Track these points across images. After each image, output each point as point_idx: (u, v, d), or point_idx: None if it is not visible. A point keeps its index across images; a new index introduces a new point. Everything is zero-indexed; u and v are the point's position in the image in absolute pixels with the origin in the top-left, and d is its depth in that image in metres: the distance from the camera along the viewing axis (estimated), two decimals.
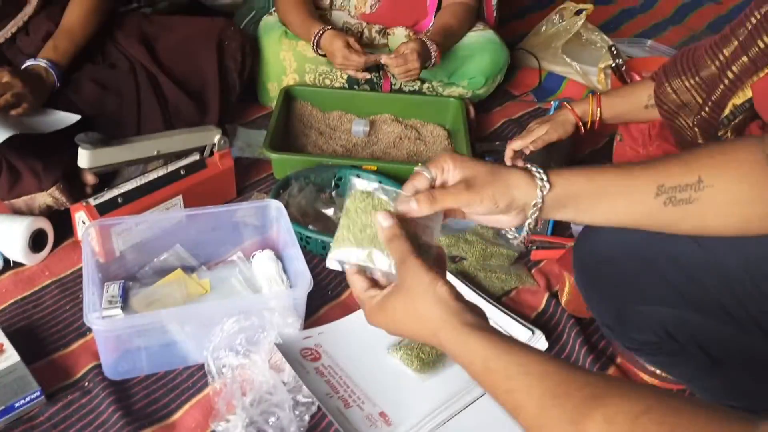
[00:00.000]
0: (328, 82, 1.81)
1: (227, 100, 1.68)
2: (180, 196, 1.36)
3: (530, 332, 1.16)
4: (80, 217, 1.27)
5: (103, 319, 1.11)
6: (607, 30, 2.16)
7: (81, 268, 1.26)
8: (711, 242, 0.83)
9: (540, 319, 1.25)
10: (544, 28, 1.97)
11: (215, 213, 1.25)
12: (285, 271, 1.25)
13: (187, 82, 1.61)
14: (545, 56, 1.93)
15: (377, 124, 1.76)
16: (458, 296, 0.65)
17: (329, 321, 1.18)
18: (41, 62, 1.37)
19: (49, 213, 1.32)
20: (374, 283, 0.71)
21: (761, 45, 1.01)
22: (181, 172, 1.37)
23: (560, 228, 1.44)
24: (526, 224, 0.72)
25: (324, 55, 1.69)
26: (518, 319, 1.19)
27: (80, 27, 1.48)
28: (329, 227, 1.38)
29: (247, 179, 1.57)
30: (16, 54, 1.47)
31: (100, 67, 1.53)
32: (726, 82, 1.06)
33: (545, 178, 0.70)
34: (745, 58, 1.02)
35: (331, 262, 0.72)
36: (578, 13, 1.90)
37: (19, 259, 1.25)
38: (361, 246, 0.70)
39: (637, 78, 1.77)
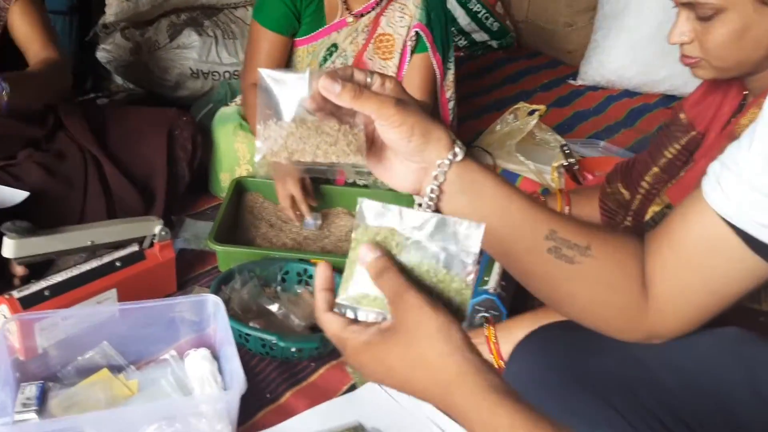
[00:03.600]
0: None
1: (175, 191, 1.64)
2: (114, 290, 1.29)
3: None
4: (1, 311, 1.18)
5: (14, 424, 1.01)
6: (562, 130, 2.21)
7: None
8: (644, 356, 0.79)
9: None
10: (498, 127, 2.01)
11: (150, 307, 1.18)
12: (220, 371, 1.17)
13: (135, 171, 1.58)
14: (500, 154, 1.95)
15: (329, 217, 1.73)
16: (474, 347, 0.55)
17: (264, 428, 1.10)
18: None
19: None
20: (354, 321, 0.60)
21: (668, 155, 1.07)
22: (117, 264, 1.30)
23: None
24: (426, 193, 0.66)
25: None
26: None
27: (42, 78, 1.44)
28: (273, 324, 1.31)
29: (191, 272, 1.50)
30: None
31: (48, 154, 1.49)
32: (642, 191, 1.11)
33: (463, 150, 0.65)
34: (656, 169, 1.08)
35: (340, 309, 0.61)
36: (531, 113, 1.94)
37: None
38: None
39: (590, 177, 1.79)
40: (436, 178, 0.65)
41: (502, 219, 0.67)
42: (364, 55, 1.79)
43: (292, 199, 1.62)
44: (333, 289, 0.61)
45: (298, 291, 1.42)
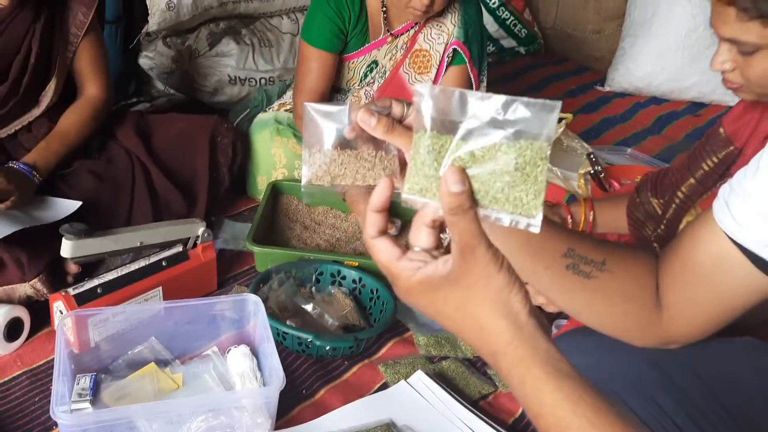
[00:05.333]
0: None
1: (216, 194, 1.72)
2: (160, 288, 1.37)
3: None
4: (58, 307, 1.27)
5: (71, 413, 1.09)
6: (589, 137, 2.25)
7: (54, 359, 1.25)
8: (662, 361, 0.84)
9: (517, 426, 1.23)
10: None
11: (193, 306, 1.26)
12: (260, 367, 1.24)
13: (178, 175, 1.66)
14: None
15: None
16: (533, 311, 0.53)
17: (301, 422, 1.16)
18: (17, 165, 1.41)
19: (28, 303, 1.32)
20: (405, 251, 0.56)
21: (705, 168, 1.10)
22: (163, 264, 1.38)
23: None
24: None
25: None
26: (494, 425, 1.17)
27: (75, 131, 1.55)
28: (308, 322, 1.38)
29: (229, 272, 1.57)
30: (17, 148, 1.53)
31: (98, 161, 1.58)
32: (677, 201, 1.13)
33: None
34: (692, 180, 1.11)
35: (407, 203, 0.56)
36: (559, 121, 1.98)
37: None
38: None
39: (617, 185, 1.82)
40: None
41: (523, 241, 0.73)
42: (400, 69, 1.86)
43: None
44: (387, 211, 0.57)
45: (332, 291, 1.48)
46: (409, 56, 1.85)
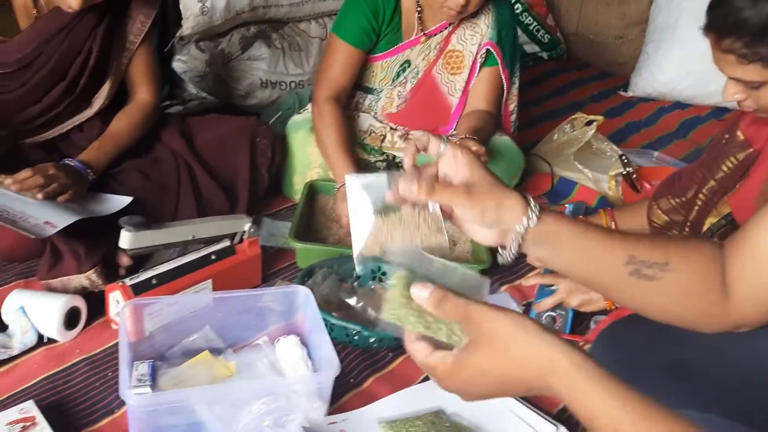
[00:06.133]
0: None
1: (256, 193, 1.76)
2: (210, 280, 1.41)
3: (554, 427, 1.17)
4: (115, 297, 1.31)
5: (135, 396, 1.13)
6: (615, 141, 2.27)
7: (111, 347, 1.30)
8: (726, 346, 0.87)
9: (563, 415, 1.25)
10: (556, 136, 2.09)
11: (244, 297, 1.30)
12: (309, 356, 1.27)
13: (221, 175, 1.71)
14: (557, 162, 2.02)
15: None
16: (548, 328, 0.61)
17: (350, 409, 1.20)
18: (73, 163, 1.46)
19: (83, 293, 1.37)
20: (436, 346, 0.66)
21: (725, 169, 1.13)
22: (212, 257, 1.43)
23: (578, 326, 1.47)
24: (508, 249, 0.74)
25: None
26: (541, 413, 1.20)
27: (126, 134, 1.60)
28: (351, 315, 1.41)
29: (270, 267, 1.61)
30: (69, 147, 1.58)
31: (146, 160, 1.63)
32: (699, 203, 1.17)
33: (537, 212, 0.73)
34: (712, 182, 1.14)
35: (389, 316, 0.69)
36: (589, 123, 2.02)
37: (53, 335, 1.28)
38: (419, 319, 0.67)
39: (647, 186, 1.86)
40: (514, 239, 0.74)
41: (583, 258, 0.76)
42: (433, 69, 1.90)
43: None
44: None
45: (372, 287, 1.52)
46: (442, 57, 1.89)
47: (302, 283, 1.43)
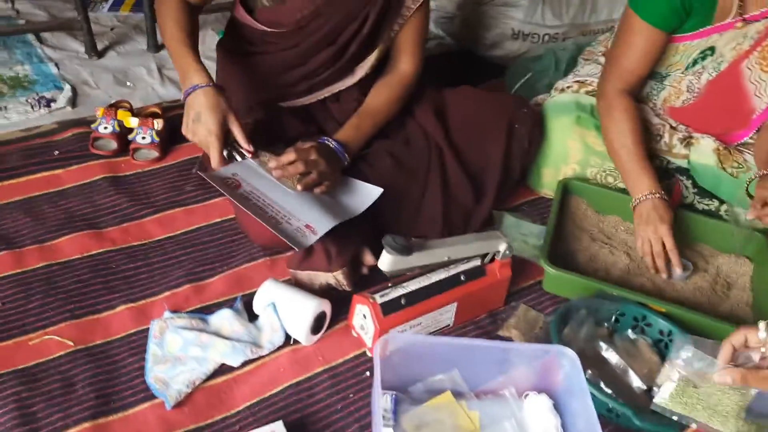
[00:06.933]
0: (611, 180, 1.66)
1: (504, 188, 1.59)
2: (455, 303, 1.30)
3: None
4: (361, 310, 1.24)
5: None
6: None
7: (351, 359, 1.26)
8: None
9: None
10: None
11: (498, 349, 1.18)
12: (563, 427, 1.14)
13: (470, 162, 1.54)
14: None
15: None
16: None
17: None
18: (332, 145, 1.36)
19: (328, 292, 1.31)
20: None
21: None
22: (461, 278, 1.30)
23: None
24: None
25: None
26: None
27: (385, 109, 1.48)
28: (607, 374, 1.24)
29: (513, 283, 1.43)
30: (326, 119, 1.49)
31: (396, 141, 1.51)
32: None
33: None
34: None
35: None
36: None
37: (300, 338, 1.25)
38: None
39: None
40: None
41: None
42: (742, 63, 1.54)
43: (653, 244, 1.44)
44: None
45: (632, 337, 1.33)
46: (759, 49, 1.52)
47: (558, 331, 1.27)
